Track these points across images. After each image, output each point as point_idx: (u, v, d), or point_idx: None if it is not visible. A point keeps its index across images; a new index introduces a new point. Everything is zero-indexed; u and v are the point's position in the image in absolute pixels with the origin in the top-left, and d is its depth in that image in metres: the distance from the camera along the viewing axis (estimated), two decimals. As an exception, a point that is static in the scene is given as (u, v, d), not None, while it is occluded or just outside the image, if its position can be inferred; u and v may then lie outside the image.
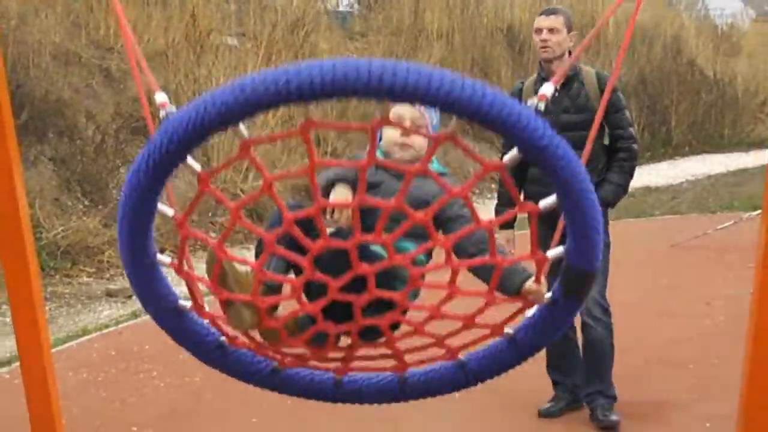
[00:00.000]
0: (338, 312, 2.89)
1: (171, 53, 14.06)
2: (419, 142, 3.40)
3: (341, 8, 21.18)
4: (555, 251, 2.83)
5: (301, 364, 3.29)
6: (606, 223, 5.84)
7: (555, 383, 5.96)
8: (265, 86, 2.38)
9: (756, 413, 4.27)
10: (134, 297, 9.24)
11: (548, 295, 2.93)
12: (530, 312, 3.00)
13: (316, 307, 2.86)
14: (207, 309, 3.19)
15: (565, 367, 5.90)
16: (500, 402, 6.12)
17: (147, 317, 8.92)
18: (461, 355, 3.12)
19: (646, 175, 18.47)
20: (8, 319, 8.82)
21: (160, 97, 3.03)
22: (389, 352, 3.08)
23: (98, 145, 12.16)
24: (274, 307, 3.14)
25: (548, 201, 2.70)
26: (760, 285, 3.97)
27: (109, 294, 9.81)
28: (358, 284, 2.77)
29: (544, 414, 5.88)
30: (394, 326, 3.01)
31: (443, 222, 3.21)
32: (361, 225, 2.62)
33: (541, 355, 5.95)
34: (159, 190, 2.82)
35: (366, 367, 3.27)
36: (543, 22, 5.63)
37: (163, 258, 3.04)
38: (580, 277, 2.83)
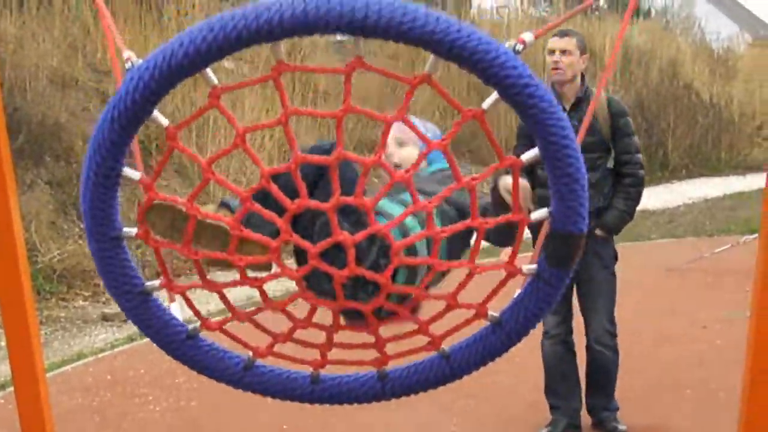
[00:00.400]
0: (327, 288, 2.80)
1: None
2: (408, 155, 3.39)
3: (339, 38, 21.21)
4: (539, 212, 2.74)
5: (277, 355, 3.13)
6: (614, 255, 5.83)
7: (553, 407, 5.93)
8: (234, 24, 2.31)
9: (754, 438, 4.26)
10: (129, 322, 9.13)
11: (533, 267, 2.81)
12: (517, 292, 2.90)
13: (297, 273, 2.79)
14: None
15: (564, 391, 5.88)
16: (496, 420, 6.10)
17: (143, 341, 8.89)
18: (445, 345, 2.96)
19: (643, 199, 18.40)
20: (2, 343, 8.79)
21: (127, 53, 2.86)
22: (371, 339, 2.95)
23: (95, 169, 12.14)
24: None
25: (531, 154, 2.61)
26: (758, 309, 3.96)
27: (105, 318, 9.77)
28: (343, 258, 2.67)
29: None
30: (379, 311, 2.86)
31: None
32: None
33: (539, 373, 5.93)
34: (124, 145, 2.67)
35: (345, 360, 3.12)
36: (556, 43, 5.66)
37: (130, 230, 2.94)
38: (565, 242, 2.73)
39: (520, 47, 2.65)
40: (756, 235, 10.33)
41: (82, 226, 11.60)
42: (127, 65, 2.79)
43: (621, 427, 5.87)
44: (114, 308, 10.16)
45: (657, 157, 22.28)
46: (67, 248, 10.90)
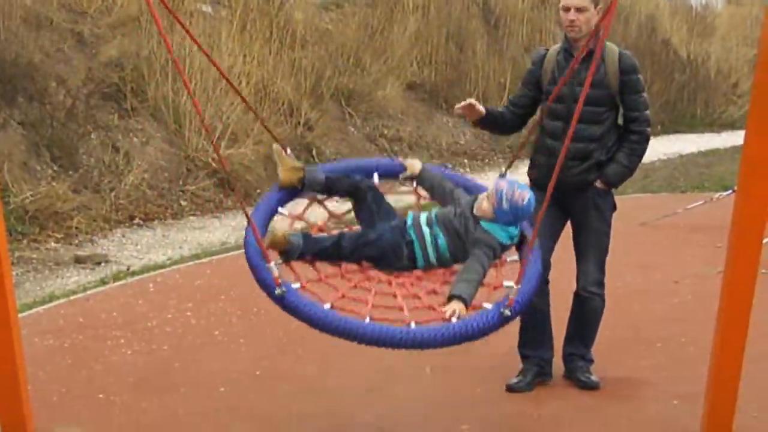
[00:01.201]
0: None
1: (144, 19, 13.90)
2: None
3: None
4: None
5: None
6: (613, 207, 5.84)
7: (524, 357, 5.95)
8: None
9: (723, 392, 4.31)
10: (102, 264, 9.17)
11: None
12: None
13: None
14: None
15: (536, 341, 5.89)
16: (471, 375, 6.13)
17: (115, 285, 8.87)
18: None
19: (617, 153, 18.50)
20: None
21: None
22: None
23: (69, 110, 12.03)
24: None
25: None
26: (731, 265, 3.99)
27: (78, 260, 9.73)
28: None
29: (512, 389, 5.87)
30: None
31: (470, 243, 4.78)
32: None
33: (512, 325, 5.95)
34: None
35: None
36: (571, 0, 5.54)
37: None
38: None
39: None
40: (729, 191, 10.39)
41: (55, 167, 11.54)
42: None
43: (594, 378, 5.90)
44: (86, 250, 10.14)
45: (633, 113, 22.32)
46: (40, 189, 10.81)
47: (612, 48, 5.69)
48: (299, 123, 14.88)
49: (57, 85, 12.36)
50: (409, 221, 4.92)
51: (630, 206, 12.94)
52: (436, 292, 4.73)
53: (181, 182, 12.68)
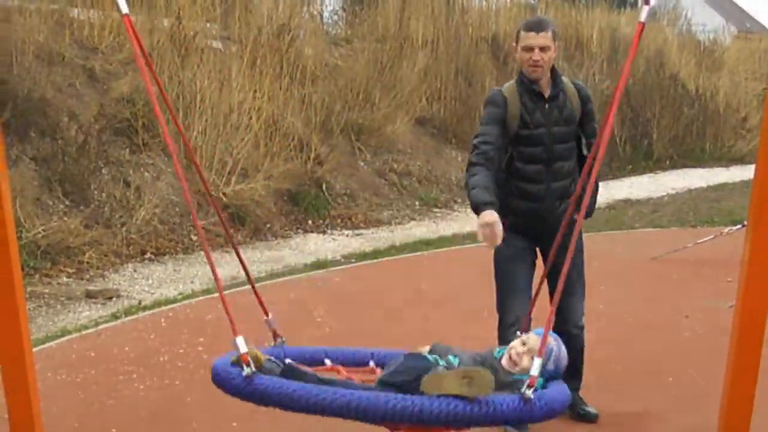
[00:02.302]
0: None
1: (155, 55, 14.02)
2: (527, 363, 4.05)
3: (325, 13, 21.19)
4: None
5: None
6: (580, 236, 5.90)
7: None
8: None
9: (735, 426, 4.30)
10: (114, 299, 9.18)
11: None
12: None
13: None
14: None
15: None
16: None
17: (127, 319, 8.91)
18: None
19: (627, 188, 18.55)
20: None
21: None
22: None
23: (80, 146, 12.12)
24: None
25: None
26: (743, 299, 4.00)
27: (89, 295, 9.77)
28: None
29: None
30: None
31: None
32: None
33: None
34: None
35: None
36: (534, 40, 5.47)
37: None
38: None
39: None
40: (739, 226, 10.41)
41: (66, 202, 11.61)
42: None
43: (593, 409, 5.94)
44: (98, 285, 10.17)
45: (642, 147, 22.37)
46: (52, 224, 10.88)
47: (567, 82, 5.73)
48: (309, 158, 14.94)
49: (69, 121, 12.45)
50: None
51: (640, 241, 12.98)
52: None
53: (191, 217, 12.72)
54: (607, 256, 11.55)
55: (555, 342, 4.27)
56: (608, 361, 7.22)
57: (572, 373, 5.93)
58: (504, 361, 4.21)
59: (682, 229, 13.93)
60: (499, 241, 5.02)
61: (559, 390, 3.93)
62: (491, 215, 5.03)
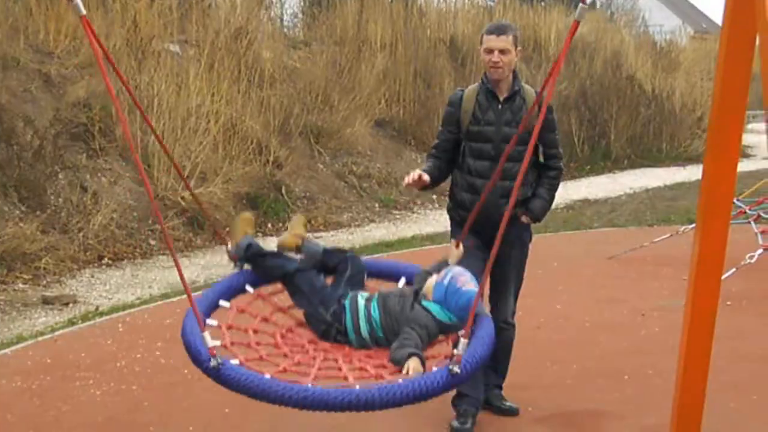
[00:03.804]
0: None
1: (112, 59, 13.94)
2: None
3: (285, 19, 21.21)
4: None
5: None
6: (530, 238, 6.01)
7: (461, 395, 5.85)
8: None
9: (687, 424, 4.36)
10: (71, 304, 9.11)
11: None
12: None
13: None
14: None
15: (475, 378, 5.84)
16: (424, 416, 6.15)
17: (83, 325, 8.86)
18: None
19: (585, 188, 18.68)
20: (-59, 326, 8.72)
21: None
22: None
23: (36, 151, 12.02)
24: None
25: None
26: (692, 298, 4.06)
27: (46, 301, 9.69)
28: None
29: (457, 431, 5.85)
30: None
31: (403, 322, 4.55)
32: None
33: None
34: None
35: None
36: (495, 42, 5.63)
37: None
38: None
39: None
40: (695, 224, 10.51)
41: (22, 207, 11.50)
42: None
43: (513, 404, 6.04)
44: (54, 291, 10.09)
45: (600, 147, 22.54)
46: (7, 230, 10.77)
47: (528, 89, 5.88)
48: (268, 161, 14.92)
49: (24, 126, 12.34)
50: (349, 295, 4.76)
51: (597, 240, 13.08)
52: (385, 366, 4.38)
53: (150, 222, 12.66)
54: (565, 255, 11.63)
55: (459, 269, 4.71)
56: (565, 360, 7.27)
57: (495, 368, 6.00)
58: (423, 288, 4.70)
59: (640, 228, 14.04)
60: (413, 176, 5.62)
61: (480, 344, 4.22)
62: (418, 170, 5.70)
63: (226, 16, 16.86)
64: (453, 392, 5.82)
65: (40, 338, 8.28)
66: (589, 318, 8.62)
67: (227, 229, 5.03)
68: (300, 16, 22.41)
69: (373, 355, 4.54)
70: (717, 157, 3.87)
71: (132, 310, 9.27)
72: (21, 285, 10.29)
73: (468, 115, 5.77)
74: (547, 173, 5.90)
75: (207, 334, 4.12)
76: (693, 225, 10.56)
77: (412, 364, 4.14)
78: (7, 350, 7.87)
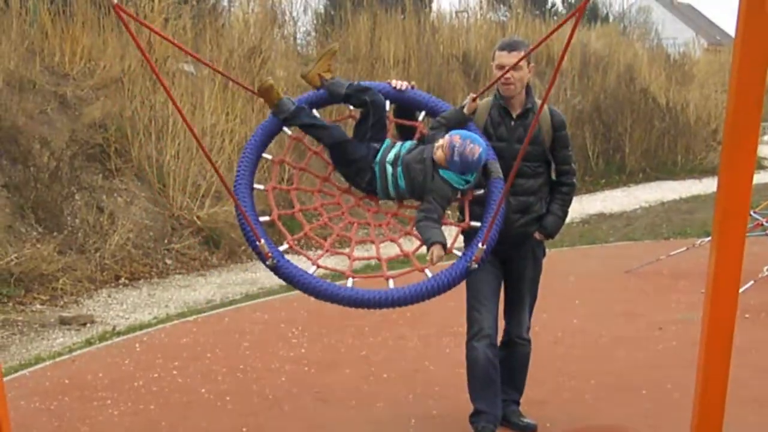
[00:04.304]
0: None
1: (127, 80, 14.03)
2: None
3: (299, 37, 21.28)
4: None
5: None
6: (544, 253, 5.98)
7: (480, 412, 5.82)
8: None
9: (707, 437, 4.33)
10: (88, 325, 9.17)
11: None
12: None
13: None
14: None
15: (491, 395, 5.81)
16: (454, 425, 6.14)
17: (101, 345, 8.86)
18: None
19: (600, 202, 18.65)
20: (-40, 348, 8.75)
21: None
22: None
23: (53, 172, 12.09)
24: None
25: None
26: (710, 310, 4.04)
27: (63, 322, 9.72)
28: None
29: None
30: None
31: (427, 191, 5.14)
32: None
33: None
34: None
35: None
36: (507, 59, 5.55)
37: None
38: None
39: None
40: (711, 238, 10.45)
41: (39, 229, 11.56)
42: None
43: (531, 421, 5.99)
44: (72, 311, 10.13)
45: (614, 161, 22.50)
46: (25, 252, 10.83)
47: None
48: (283, 179, 14.93)
49: (41, 147, 12.42)
50: (378, 157, 5.24)
51: (613, 254, 13.04)
52: (409, 233, 5.31)
53: (166, 241, 12.70)
54: (582, 270, 11.61)
55: (460, 138, 5.05)
56: (583, 375, 7.25)
57: (512, 384, 5.98)
58: (434, 155, 5.11)
59: (656, 241, 14.00)
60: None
61: (492, 236, 4.93)
62: None
63: (239, 35, 16.93)
64: (470, 409, 5.82)
65: (57, 359, 8.30)
66: (606, 332, 8.59)
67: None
68: (313, 34, 22.51)
69: (399, 214, 5.41)
70: (732, 169, 3.85)
71: (149, 329, 9.29)
72: (39, 306, 10.33)
73: (480, 131, 5.63)
74: (560, 189, 5.88)
75: (263, 242, 4.98)
76: (709, 238, 10.56)
77: (436, 252, 4.83)
78: (25, 371, 7.89)
